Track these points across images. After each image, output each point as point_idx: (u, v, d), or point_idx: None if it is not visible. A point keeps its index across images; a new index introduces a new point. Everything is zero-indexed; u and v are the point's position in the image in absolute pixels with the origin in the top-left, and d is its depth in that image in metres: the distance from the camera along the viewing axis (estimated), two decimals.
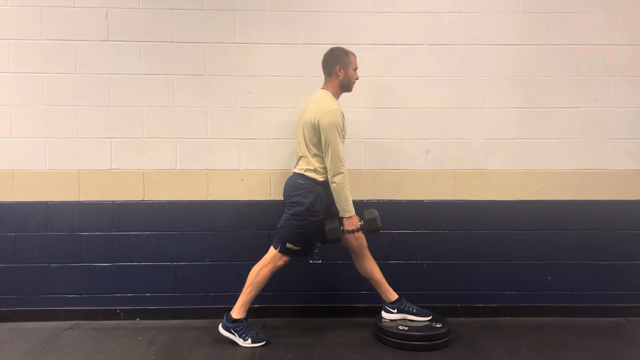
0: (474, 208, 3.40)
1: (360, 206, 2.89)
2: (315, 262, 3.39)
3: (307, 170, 2.89)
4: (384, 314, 3.10)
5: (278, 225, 2.97)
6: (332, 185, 2.82)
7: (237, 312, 2.96)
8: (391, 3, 3.34)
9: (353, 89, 3.00)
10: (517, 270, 3.43)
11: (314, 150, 2.87)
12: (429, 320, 3.04)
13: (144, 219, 3.36)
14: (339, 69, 2.91)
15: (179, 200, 3.36)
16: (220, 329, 2.98)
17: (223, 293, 3.37)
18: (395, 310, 3.07)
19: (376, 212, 2.90)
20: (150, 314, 3.37)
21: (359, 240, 3.02)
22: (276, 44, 3.33)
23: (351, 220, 2.85)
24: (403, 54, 3.36)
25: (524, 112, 3.40)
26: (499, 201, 3.41)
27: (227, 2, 3.31)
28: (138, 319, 3.37)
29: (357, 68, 2.97)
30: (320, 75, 3.18)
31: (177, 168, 3.36)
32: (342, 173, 2.81)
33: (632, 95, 3.40)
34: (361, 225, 2.88)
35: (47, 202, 3.32)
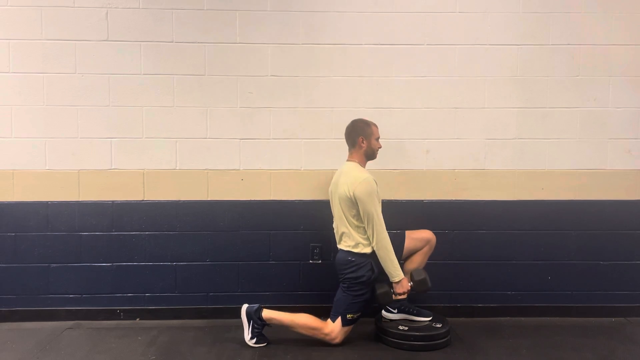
0: (474, 208, 3.40)
1: None
2: (315, 262, 3.39)
3: (353, 246, 2.90)
4: (384, 313, 3.10)
5: (334, 300, 2.97)
6: (378, 252, 2.83)
7: (269, 318, 2.95)
8: (391, 3, 3.34)
9: (378, 155, 3.03)
10: (517, 270, 3.43)
11: (355, 222, 2.88)
12: (429, 321, 3.04)
13: (144, 219, 3.36)
14: (361, 140, 2.94)
15: (179, 200, 3.36)
16: (243, 312, 2.97)
17: (223, 293, 3.37)
18: (396, 310, 3.07)
19: (425, 273, 2.91)
20: (150, 314, 3.37)
21: (429, 242, 3.05)
22: (276, 44, 3.33)
23: (401, 284, 2.86)
24: (403, 54, 3.36)
25: (524, 112, 3.40)
26: (499, 201, 3.41)
27: (227, 2, 3.31)
28: (138, 319, 3.37)
29: (379, 138, 3.00)
30: (321, 76, 3.19)
31: (177, 168, 3.36)
32: (385, 239, 2.82)
33: (632, 95, 3.40)
34: (411, 286, 2.89)
35: (47, 202, 3.32)
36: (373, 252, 2.87)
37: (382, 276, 2.90)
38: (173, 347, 2.96)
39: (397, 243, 2.91)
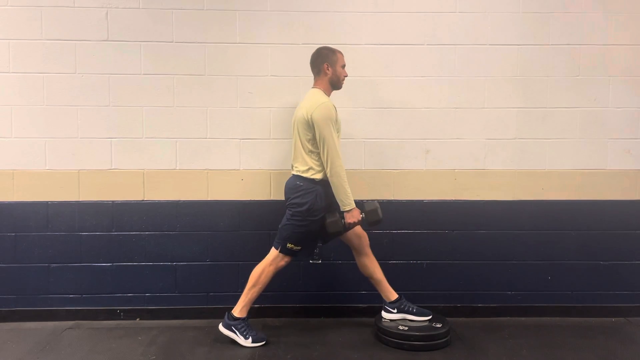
0: (474, 208, 3.40)
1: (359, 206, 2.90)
2: (315, 262, 3.39)
3: (304, 171, 2.89)
4: (384, 313, 3.10)
5: (279, 226, 2.98)
6: (331, 180, 2.83)
7: (239, 311, 2.96)
8: (391, 3, 3.34)
9: (343, 85, 3.01)
10: (517, 270, 3.43)
11: (309, 147, 2.87)
12: (429, 320, 3.04)
13: (144, 219, 3.36)
14: (326, 67, 2.92)
15: (179, 200, 3.37)
16: (221, 328, 2.99)
17: (223, 293, 3.37)
18: (395, 310, 3.07)
19: (377, 204, 2.91)
20: (150, 314, 3.37)
21: (361, 239, 3.03)
22: (276, 44, 3.33)
23: (352, 213, 2.86)
24: (403, 54, 3.36)
25: (524, 112, 3.40)
26: (499, 201, 3.41)
27: (227, 2, 3.31)
28: (138, 319, 3.37)
29: (344, 65, 2.98)
30: None
31: (177, 168, 3.36)
32: (340, 166, 2.81)
33: (632, 95, 3.40)
34: (362, 217, 2.89)
35: (47, 202, 3.32)
36: (323, 180, 2.87)
37: (333, 208, 2.91)
38: (173, 347, 2.96)
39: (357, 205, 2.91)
